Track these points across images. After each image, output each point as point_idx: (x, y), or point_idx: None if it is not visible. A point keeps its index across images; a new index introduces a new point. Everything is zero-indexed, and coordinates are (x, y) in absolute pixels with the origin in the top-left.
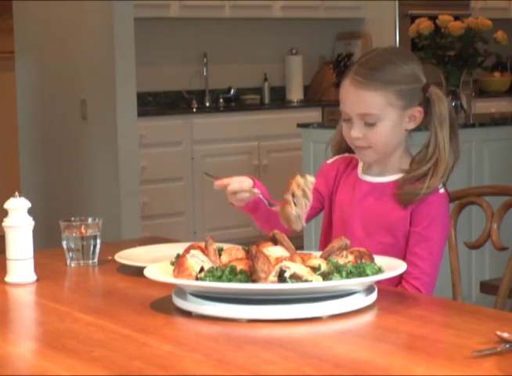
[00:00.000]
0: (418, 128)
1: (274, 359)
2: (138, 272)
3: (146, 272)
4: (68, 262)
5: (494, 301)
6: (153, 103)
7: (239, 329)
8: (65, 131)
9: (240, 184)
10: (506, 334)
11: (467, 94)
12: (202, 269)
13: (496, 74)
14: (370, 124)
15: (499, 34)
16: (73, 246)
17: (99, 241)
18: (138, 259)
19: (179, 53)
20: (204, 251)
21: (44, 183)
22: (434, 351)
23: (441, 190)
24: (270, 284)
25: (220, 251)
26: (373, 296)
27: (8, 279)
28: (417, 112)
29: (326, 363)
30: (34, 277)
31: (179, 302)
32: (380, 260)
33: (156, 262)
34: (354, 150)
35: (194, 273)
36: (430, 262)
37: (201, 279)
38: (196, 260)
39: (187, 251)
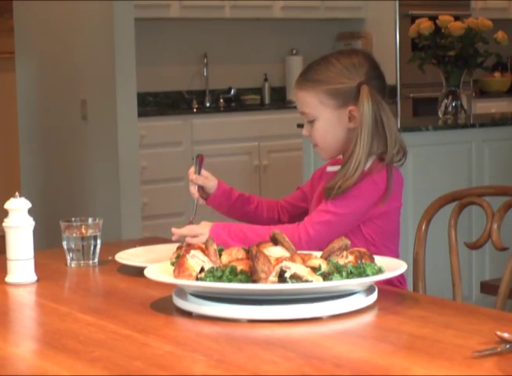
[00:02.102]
0: (418, 129)
1: (274, 359)
2: (138, 272)
3: (147, 273)
4: (68, 262)
5: (494, 301)
6: (154, 104)
7: (240, 329)
8: (65, 132)
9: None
10: (506, 335)
11: (468, 94)
12: (202, 270)
13: (496, 75)
14: (311, 122)
15: (500, 35)
16: (73, 246)
17: (99, 241)
18: (139, 259)
19: (179, 53)
20: (205, 251)
21: (44, 183)
22: (435, 351)
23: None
24: (270, 285)
25: (220, 251)
26: (374, 296)
27: (8, 279)
28: (353, 111)
29: (327, 363)
30: (35, 277)
31: (180, 303)
32: (380, 260)
33: (156, 262)
34: None
35: (194, 274)
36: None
37: (201, 279)
38: (197, 260)
39: (187, 251)
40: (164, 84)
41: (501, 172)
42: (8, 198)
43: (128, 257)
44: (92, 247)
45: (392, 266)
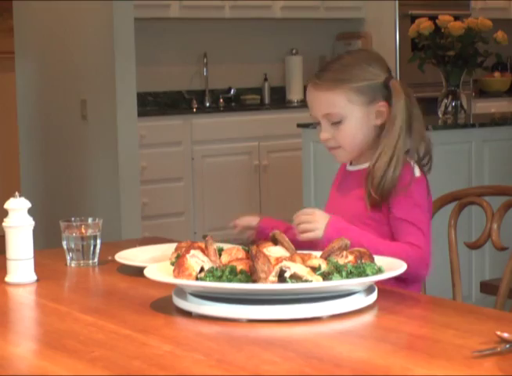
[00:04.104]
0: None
1: (274, 359)
2: (138, 272)
3: (146, 273)
4: (68, 262)
5: (494, 301)
6: (153, 103)
7: (240, 329)
8: (65, 132)
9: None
10: (506, 334)
11: (467, 94)
12: (202, 269)
13: (496, 74)
14: (336, 124)
15: (499, 34)
16: (73, 246)
17: (99, 241)
18: (139, 259)
19: (179, 53)
20: (204, 251)
21: (44, 183)
22: (434, 351)
23: (417, 174)
24: (270, 284)
25: (220, 251)
26: (373, 296)
27: (8, 279)
28: (382, 107)
29: (327, 363)
30: (34, 277)
31: (179, 302)
32: (380, 260)
33: (156, 262)
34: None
35: (194, 273)
36: (419, 233)
37: (201, 279)
38: (196, 260)
39: (187, 251)
40: (163, 84)
41: (501, 172)
42: (8, 198)
43: (127, 257)
44: (92, 247)
45: (392, 266)
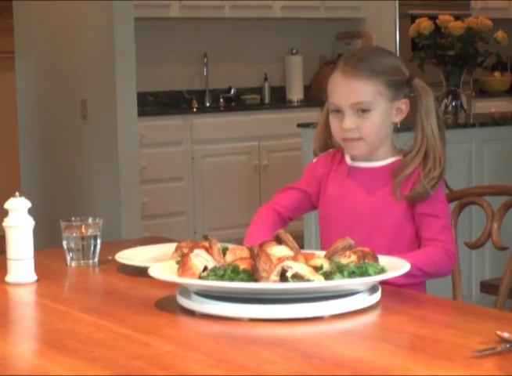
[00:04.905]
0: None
1: (275, 359)
2: (138, 272)
3: (150, 272)
4: (68, 261)
5: (494, 300)
6: (154, 103)
7: (240, 329)
8: (65, 131)
9: None
10: (506, 334)
11: (467, 94)
12: (206, 268)
13: (496, 74)
14: (364, 112)
15: (499, 34)
16: (73, 246)
17: (99, 241)
18: (139, 259)
19: (179, 53)
20: (208, 250)
21: (44, 183)
22: (435, 351)
23: None
24: (271, 284)
25: (225, 250)
26: (377, 296)
27: (8, 279)
28: (403, 104)
29: (327, 363)
30: (35, 277)
31: (183, 301)
32: (383, 260)
33: (156, 261)
34: (342, 145)
35: (198, 272)
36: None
37: (204, 278)
38: (200, 259)
39: (191, 250)
40: (163, 83)
41: (501, 172)
42: (8, 198)
43: (127, 256)
44: (92, 247)
45: (396, 266)
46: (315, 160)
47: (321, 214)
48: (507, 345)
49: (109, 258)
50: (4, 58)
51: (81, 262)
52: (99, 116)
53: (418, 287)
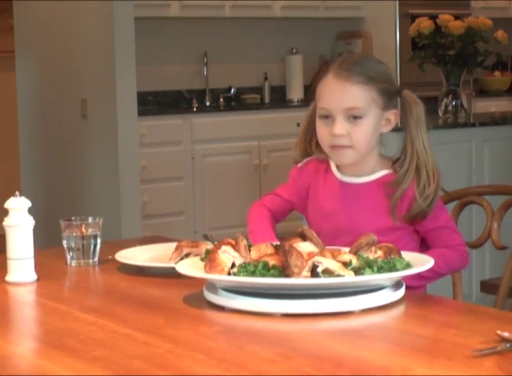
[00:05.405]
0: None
1: (274, 358)
2: (138, 271)
3: (179, 269)
4: (68, 261)
5: (494, 300)
6: (154, 103)
7: (239, 328)
8: (65, 131)
9: None
10: (506, 334)
11: (467, 93)
12: (233, 265)
13: (496, 74)
14: (355, 119)
15: (500, 34)
16: (73, 245)
17: (99, 240)
18: (139, 258)
19: (179, 53)
20: (235, 246)
21: (44, 183)
22: (435, 350)
23: None
24: (304, 279)
25: (249, 247)
26: (401, 291)
27: (8, 278)
28: (393, 115)
29: (327, 362)
30: (35, 276)
31: (211, 297)
32: (406, 256)
33: (156, 261)
34: (329, 152)
35: (226, 269)
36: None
37: (235, 274)
38: (228, 256)
39: (218, 246)
40: (164, 83)
41: (501, 171)
42: (8, 197)
43: (127, 256)
44: (92, 246)
45: (419, 261)
46: (300, 166)
47: (311, 221)
48: (507, 345)
49: (110, 257)
50: (4, 57)
51: (81, 261)
52: (99, 115)
53: (419, 287)
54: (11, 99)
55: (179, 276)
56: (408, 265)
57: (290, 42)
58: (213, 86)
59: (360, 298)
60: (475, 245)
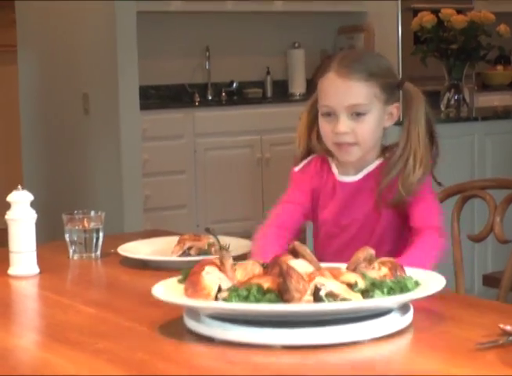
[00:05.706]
0: None
1: None
2: (140, 264)
3: (155, 293)
4: (71, 254)
5: (496, 293)
6: (156, 97)
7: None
8: (67, 125)
9: None
10: (508, 327)
11: (470, 87)
12: (219, 288)
13: (499, 68)
14: (358, 116)
15: (502, 28)
16: (75, 239)
17: (101, 234)
18: (141, 252)
19: (182, 47)
20: (220, 267)
21: (46, 176)
22: (437, 344)
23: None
24: (309, 305)
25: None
26: (410, 315)
27: (11, 271)
28: (395, 108)
29: (327, 361)
30: (37, 270)
31: (196, 326)
32: (409, 271)
33: (158, 254)
34: (334, 150)
35: (213, 293)
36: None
37: (225, 300)
38: (213, 278)
39: (201, 267)
40: (166, 77)
41: (503, 165)
42: (10, 191)
43: (130, 249)
44: (95, 240)
45: (424, 276)
46: (301, 168)
47: (314, 225)
48: (510, 338)
49: (112, 251)
50: (6, 51)
51: (84, 255)
52: (101, 110)
53: None
54: (13, 93)
55: (181, 269)
56: (417, 283)
57: (292, 36)
58: (215, 80)
59: (369, 324)
60: (478, 239)
